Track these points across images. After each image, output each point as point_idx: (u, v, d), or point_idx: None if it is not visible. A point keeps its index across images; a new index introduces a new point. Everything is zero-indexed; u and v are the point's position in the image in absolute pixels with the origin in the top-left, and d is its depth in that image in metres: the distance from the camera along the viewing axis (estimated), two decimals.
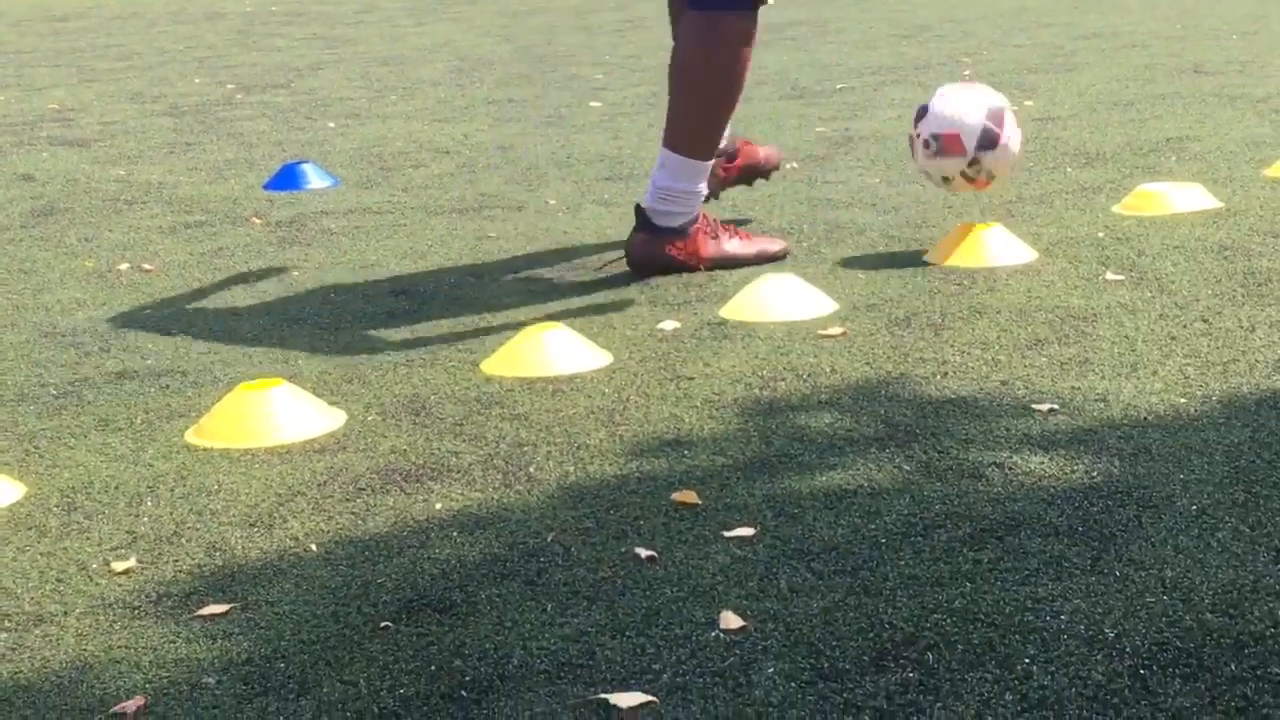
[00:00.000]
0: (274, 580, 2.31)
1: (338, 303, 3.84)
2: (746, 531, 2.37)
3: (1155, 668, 1.91)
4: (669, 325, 3.46)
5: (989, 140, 3.80)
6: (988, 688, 1.89)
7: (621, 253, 3.97)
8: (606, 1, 11.66)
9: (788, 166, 5.13)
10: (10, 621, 2.23)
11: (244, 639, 2.13)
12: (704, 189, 3.89)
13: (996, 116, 3.82)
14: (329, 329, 3.61)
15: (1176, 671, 1.89)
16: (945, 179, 3.88)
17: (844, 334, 3.31)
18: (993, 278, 3.66)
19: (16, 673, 2.08)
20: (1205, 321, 3.25)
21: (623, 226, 4.08)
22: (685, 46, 3.82)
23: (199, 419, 2.99)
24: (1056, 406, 2.81)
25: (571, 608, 2.16)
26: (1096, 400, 2.83)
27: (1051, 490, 2.45)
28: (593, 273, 3.94)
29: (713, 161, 3.91)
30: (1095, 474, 2.50)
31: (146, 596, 2.28)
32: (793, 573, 2.22)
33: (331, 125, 6.58)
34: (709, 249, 3.89)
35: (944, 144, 3.82)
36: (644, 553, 2.31)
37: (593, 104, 6.79)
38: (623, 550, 2.33)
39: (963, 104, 3.84)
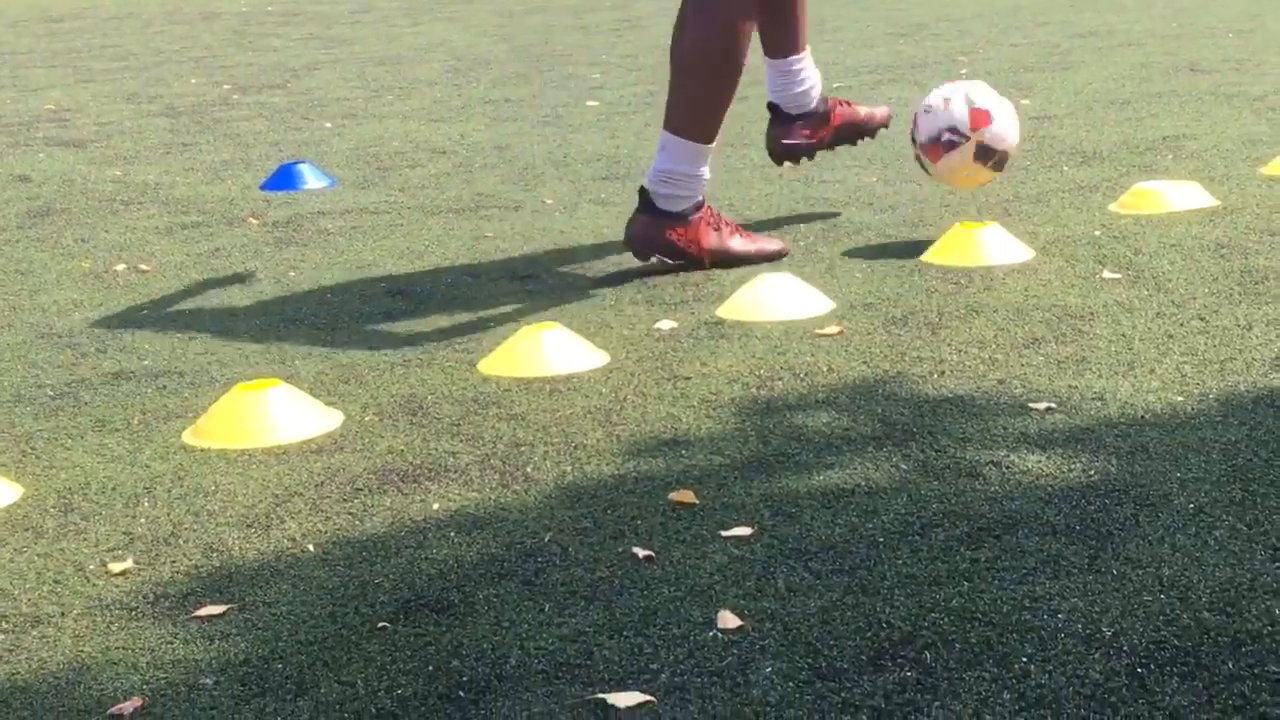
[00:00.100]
0: (271, 581, 2.31)
1: (334, 303, 3.84)
2: (744, 531, 2.37)
3: (1153, 666, 1.91)
4: (666, 325, 3.46)
5: (980, 118, 3.93)
6: (985, 687, 1.89)
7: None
8: (603, 1, 11.66)
9: (784, 165, 5.13)
10: (7, 623, 2.23)
11: (241, 640, 2.13)
12: (706, 173, 3.90)
13: (975, 98, 3.96)
14: (326, 329, 3.61)
15: (1174, 670, 1.90)
16: (967, 172, 3.97)
17: (841, 333, 3.31)
18: (989, 276, 3.67)
19: (13, 674, 2.08)
20: (1202, 320, 3.25)
21: (620, 225, 4.08)
22: (686, 28, 3.83)
23: (196, 420, 2.99)
24: (1054, 405, 2.81)
25: (569, 607, 2.16)
26: (1093, 399, 2.83)
27: (1049, 489, 2.45)
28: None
29: (714, 145, 3.91)
30: (1092, 472, 2.50)
31: (143, 597, 2.28)
32: (790, 572, 2.22)
33: (328, 125, 6.58)
34: (710, 240, 3.90)
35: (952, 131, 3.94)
36: (641, 552, 2.31)
37: (589, 103, 6.79)
38: (620, 550, 2.33)
39: (942, 97, 3.99)
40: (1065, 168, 4.85)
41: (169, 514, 2.59)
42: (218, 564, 2.38)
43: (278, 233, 4.63)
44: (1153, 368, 2.98)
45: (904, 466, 2.58)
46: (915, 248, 3.95)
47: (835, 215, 4.42)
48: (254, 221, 4.79)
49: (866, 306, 3.50)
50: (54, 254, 4.50)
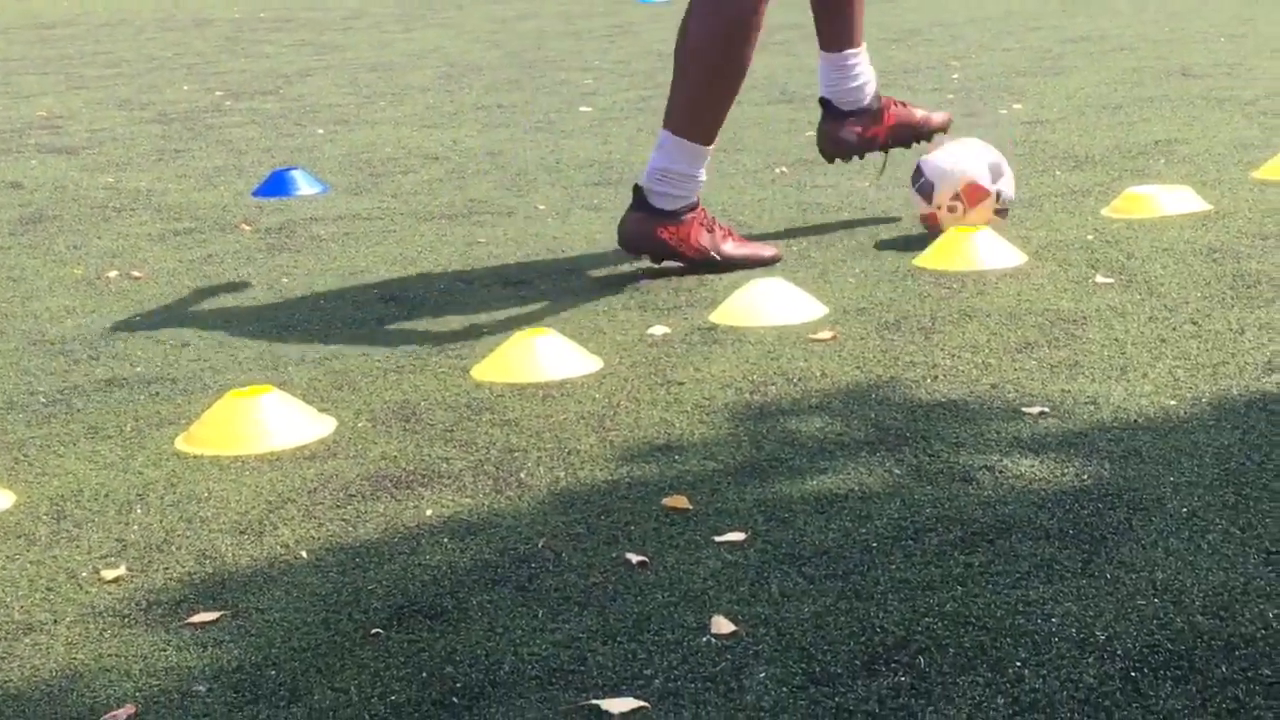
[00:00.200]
0: (264, 587, 2.30)
1: (327, 309, 3.84)
2: (737, 536, 2.36)
3: (1146, 670, 1.91)
4: (659, 330, 3.46)
5: (997, 171, 4.02)
6: (979, 691, 1.89)
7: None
8: (596, 7, 11.66)
9: (777, 170, 5.14)
10: (0, 630, 2.23)
11: (234, 646, 2.13)
12: (703, 175, 3.90)
13: (990, 157, 4.05)
14: (319, 335, 3.61)
15: (1168, 674, 1.90)
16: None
17: (834, 338, 3.31)
18: (982, 281, 3.67)
19: (6, 681, 2.08)
20: (1195, 324, 3.25)
21: (613, 231, 4.08)
22: (690, 26, 3.83)
23: (189, 426, 2.99)
24: (1047, 409, 2.81)
25: (563, 613, 2.16)
26: (1086, 403, 2.83)
27: (1042, 493, 2.45)
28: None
29: (712, 147, 3.90)
30: (1086, 477, 2.50)
31: (136, 604, 2.28)
32: (784, 577, 2.22)
33: (320, 132, 6.58)
34: (701, 239, 3.89)
35: (967, 196, 3.98)
36: (635, 558, 2.31)
37: (582, 109, 6.79)
38: (614, 555, 2.33)
39: (958, 155, 4.04)
40: (1058, 172, 4.85)
41: (162, 521, 2.58)
42: (211, 571, 2.38)
43: (270, 239, 4.62)
44: (1145, 372, 2.98)
45: (897, 471, 2.58)
46: (908, 252, 3.96)
47: (828, 220, 4.42)
48: (246, 228, 4.79)
49: (860, 311, 3.50)
50: (46, 261, 4.49)
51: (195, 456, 2.86)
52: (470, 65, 8.62)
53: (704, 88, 3.83)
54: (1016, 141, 5.26)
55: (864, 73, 4.25)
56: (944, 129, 4.40)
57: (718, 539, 2.36)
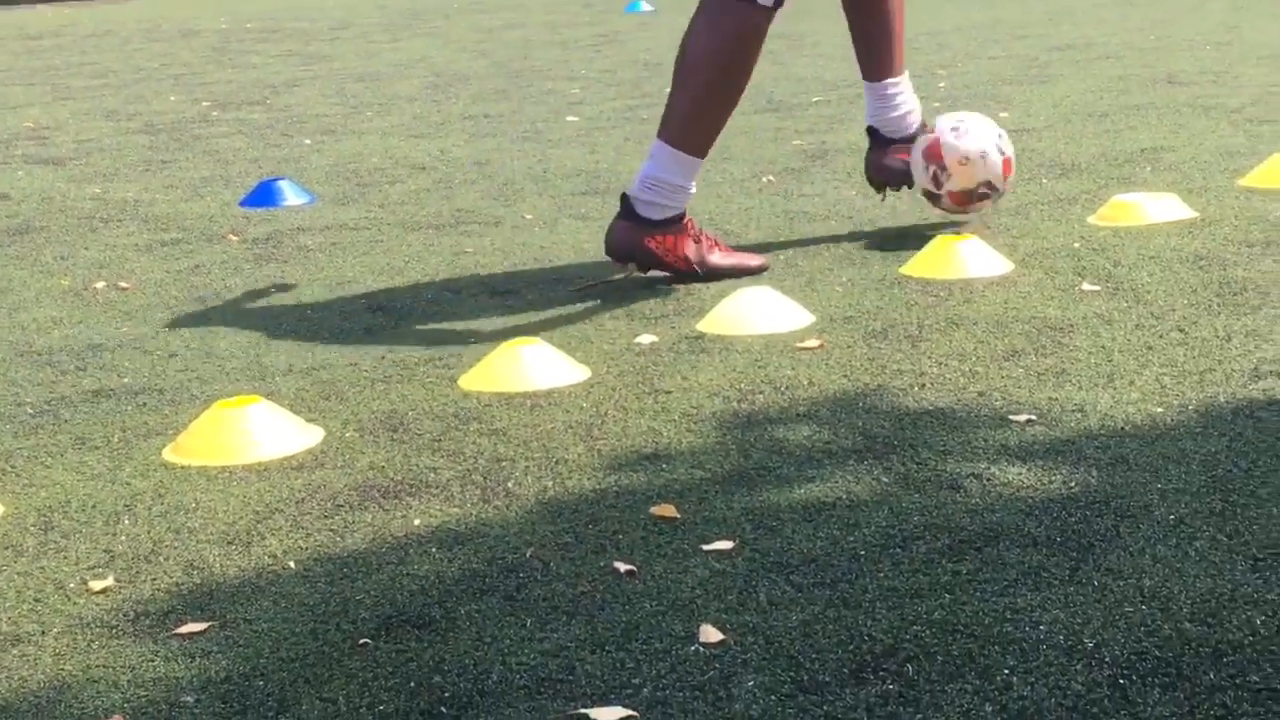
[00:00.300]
0: (252, 598, 2.30)
1: (315, 319, 3.83)
2: (725, 545, 2.37)
3: (1134, 677, 1.91)
4: (646, 339, 3.46)
5: (1009, 166, 4.14)
6: (967, 699, 1.89)
7: (600, 277, 3.97)
8: (582, 16, 11.67)
9: (764, 179, 5.14)
10: None
11: (222, 657, 2.12)
12: (693, 186, 3.90)
13: (1004, 146, 4.14)
14: (306, 346, 3.61)
15: (1155, 681, 1.90)
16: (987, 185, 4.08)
17: (821, 346, 3.32)
18: (969, 289, 3.67)
19: None
20: (1181, 331, 3.25)
21: (600, 241, 4.08)
22: (692, 39, 3.83)
23: (176, 437, 2.98)
24: (1034, 417, 2.81)
25: (551, 623, 2.16)
26: (1074, 411, 2.84)
27: (1029, 501, 2.45)
28: (570, 291, 3.94)
29: (704, 160, 3.90)
30: (1073, 484, 2.50)
31: (124, 615, 2.28)
32: (772, 586, 2.22)
33: (307, 142, 6.58)
34: (688, 250, 3.89)
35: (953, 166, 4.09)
36: (623, 567, 2.31)
37: (569, 118, 6.80)
38: (602, 565, 2.33)
39: (978, 150, 4.10)
40: (1044, 180, 4.86)
41: (149, 531, 2.58)
42: (198, 581, 2.38)
43: (257, 249, 4.62)
44: (1132, 379, 2.99)
45: (885, 479, 2.58)
46: (895, 261, 3.96)
47: (815, 229, 4.43)
48: (234, 238, 4.79)
49: (847, 320, 3.50)
50: (33, 272, 4.49)
51: (183, 467, 2.86)
52: (457, 75, 8.63)
53: (702, 101, 3.84)
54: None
55: (906, 101, 4.26)
56: None
57: (705, 548, 2.36)
